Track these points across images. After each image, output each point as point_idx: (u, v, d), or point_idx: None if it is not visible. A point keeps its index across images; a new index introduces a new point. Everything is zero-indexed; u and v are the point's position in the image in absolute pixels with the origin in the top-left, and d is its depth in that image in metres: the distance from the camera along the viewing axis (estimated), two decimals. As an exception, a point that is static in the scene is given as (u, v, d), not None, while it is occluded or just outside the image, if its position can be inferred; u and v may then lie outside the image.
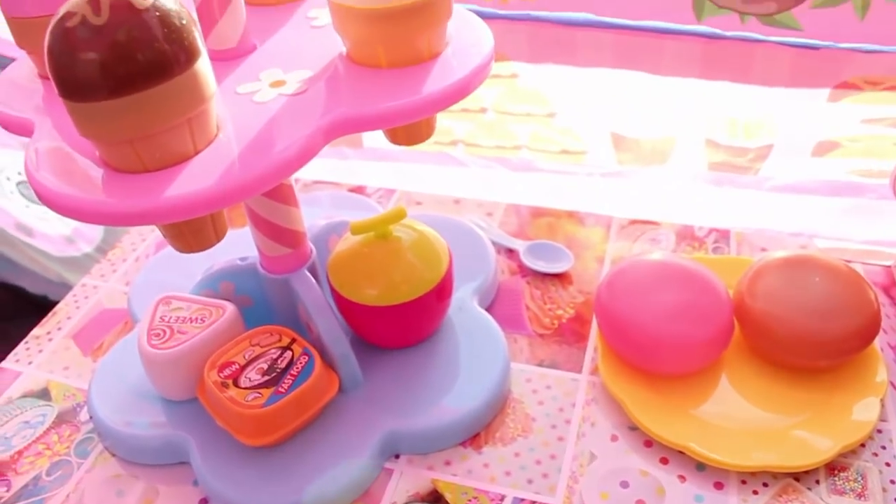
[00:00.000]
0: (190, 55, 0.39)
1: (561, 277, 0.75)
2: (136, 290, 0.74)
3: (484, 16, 0.53)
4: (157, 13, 0.37)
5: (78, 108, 0.38)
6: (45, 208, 1.46)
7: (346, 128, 0.43)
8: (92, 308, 0.77)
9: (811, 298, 0.60)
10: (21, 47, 0.53)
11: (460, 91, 0.45)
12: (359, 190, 0.87)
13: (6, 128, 0.50)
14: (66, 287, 0.85)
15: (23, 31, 0.52)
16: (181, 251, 0.44)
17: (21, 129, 0.49)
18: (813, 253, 0.64)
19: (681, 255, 0.66)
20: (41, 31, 0.50)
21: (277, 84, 0.47)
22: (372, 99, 0.44)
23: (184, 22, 0.38)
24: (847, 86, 0.88)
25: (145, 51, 0.37)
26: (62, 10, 0.38)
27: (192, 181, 0.38)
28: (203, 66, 0.40)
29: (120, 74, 0.37)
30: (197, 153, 0.41)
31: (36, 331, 0.75)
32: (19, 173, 1.38)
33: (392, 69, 0.47)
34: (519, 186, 0.88)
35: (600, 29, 0.88)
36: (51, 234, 1.54)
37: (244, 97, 0.46)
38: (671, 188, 0.87)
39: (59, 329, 0.75)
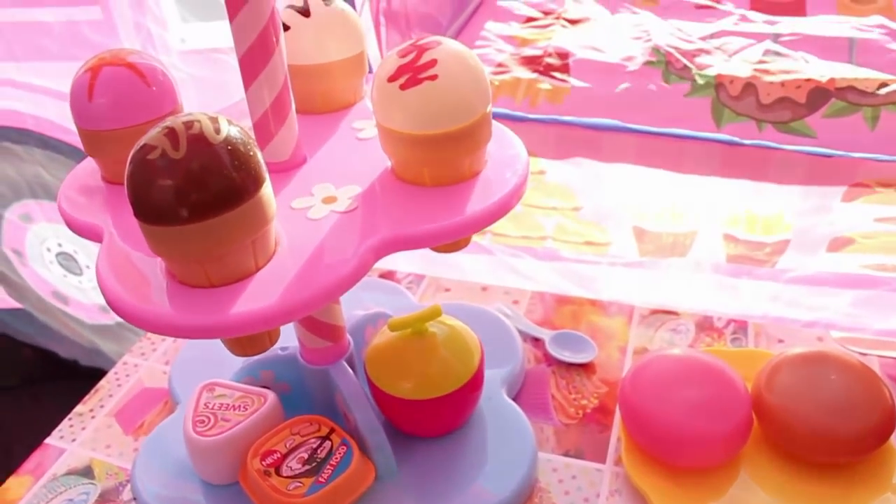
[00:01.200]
0: (257, 182, 0.43)
1: (585, 367, 0.78)
2: (175, 371, 0.77)
3: (514, 119, 0.57)
4: (229, 146, 0.41)
5: (152, 230, 0.42)
6: (81, 278, 1.51)
7: (394, 246, 0.47)
8: (133, 386, 0.80)
9: (828, 396, 0.62)
10: (90, 155, 0.58)
11: (500, 210, 0.49)
12: (389, 275, 0.91)
13: (77, 231, 0.54)
14: (98, 353, 0.88)
15: (93, 141, 0.56)
16: (236, 354, 0.48)
17: (91, 233, 0.53)
18: (829, 349, 0.66)
19: (701, 350, 0.69)
20: (109, 142, 0.56)
21: (329, 200, 0.51)
22: (418, 219, 0.48)
23: (252, 153, 0.42)
24: (860, 186, 0.92)
25: (218, 180, 0.41)
26: (144, 142, 0.42)
27: (255, 299, 0.42)
28: (267, 190, 0.44)
29: (193, 202, 0.40)
30: (258, 269, 0.45)
31: (79, 408, 0.78)
32: (59, 245, 1.43)
33: (435, 187, 0.51)
34: (544, 275, 0.91)
35: (625, 133, 0.92)
36: (85, 303, 1.59)
37: (299, 213, 0.50)
38: (691, 279, 0.90)
39: (102, 407, 0.78)
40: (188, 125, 0.41)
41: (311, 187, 0.53)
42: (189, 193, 0.40)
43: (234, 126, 0.43)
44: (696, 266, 0.91)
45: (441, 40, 0.49)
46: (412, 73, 0.48)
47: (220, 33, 0.99)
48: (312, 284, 0.43)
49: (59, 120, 1.16)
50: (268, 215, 0.44)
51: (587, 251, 0.94)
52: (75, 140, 1.18)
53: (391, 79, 0.48)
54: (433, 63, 0.48)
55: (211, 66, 1.01)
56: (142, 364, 0.83)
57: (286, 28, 0.61)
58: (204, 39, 1.00)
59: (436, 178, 0.51)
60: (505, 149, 0.55)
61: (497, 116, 0.54)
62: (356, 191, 0.52)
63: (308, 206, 0.50)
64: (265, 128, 0.53)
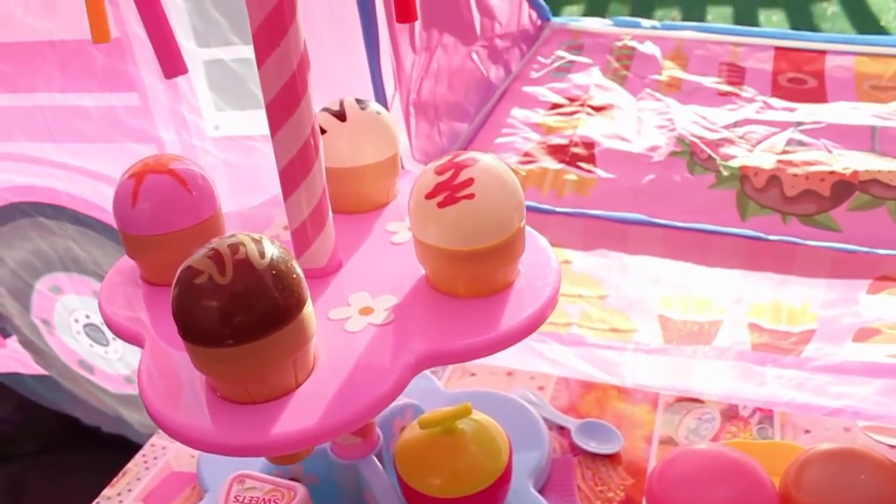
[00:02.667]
0: (300, 303, 0.44)
1: (611, 457, 0.78)
2: (204, 457, 0.78)
3: (542, 211, 0.58)
4: (273, 271, 0.43)
5: (197, 350, 0.43)
6: (107, 349, 1.52)
7: (430, 362, 0.48)
8: (161, 470, 0.81)
9: (858, 495, 0.62)
10: (131, 257, 0.59)
11: (534, 324, 0.50)
12: (416, 360, 0.91)
13: (118, 334, 0.56)
14: (121, 421, 0.89)
15: (135, 245, 0.58)
16: (273, 463, 0.49)
17: (132, 337, 0.54)
18: (858, 446, 0.66)
19: (727, 443, 0.69)
20: (150, 247, 0.57)
21: (366, 311, 0.52)
22: (453, 334, 0.49)
23: (295, 276, 0.44)
24: (886, 279, 0.93)
25: (262, 304, 0.42)
26: (190, 264, 0.43)
27: (296, 419, 0.43)
28: (308, 309, 0.45)
29: (238, 326, 0.42)
30: (298, 385, 0.46)
31: (107, 492, 0.79)
32: (87, 316, 1.46)
33: (470, 299, 0.52)
34: (569, 359, 0.92)
35: (651, 226, 0.94)
36: (110, 373, 1.61)
37: (337, 324, 0.51)
38: (716, 366, 0.90)
39: (130, 490, 0.79)
40: (234, 249, 0.43)
41: (348, 296, 0.54)
42: (234, 317, 0.42)
43: (277, 247, 0.44)
44: (720, 353, 0.92)
45: (477, 157, 0.51)
46: (449, 191, 0.49)
47: (251, 122, 1.02)
48: (351, 404, 0.44)
49: (92, 197, 1.19)
50: (309, 334, 0.45)
51: (612, 337, 0.95)
52: (107, 217, 1.21)
53: (429, 196, 0.50)
54: (470, 182, 0.49)
55: (243, 153, 1.04)
56: (169, 447, 0.84)
57: (322, 132, 0.63)
58: (236, 127, 1.02)
59: (470, 290, 0.52)
60: (537, 256, 0.56)
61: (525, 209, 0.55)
62: (392, 301, 0.53)
63: (346, 318, 0.52)
64: (303, 236, 0.55)
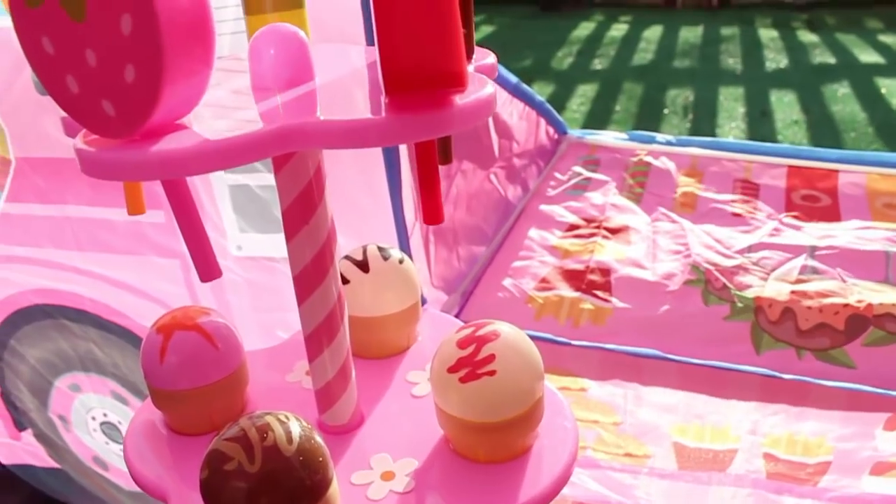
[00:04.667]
0: (326, 484, 0.45)
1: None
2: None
3: (558, 343, 0.59)
4: (301, 456, 0.44)
5: (225, 529, 0.44)
6: (122, 446, 1.52)
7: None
8: None
9: None
10: (158, 408, 0.60)
11: (553, 492, 0.51)
12: None
13: (144, 489, 0.57)
14: None
15: (162, 398, 0.59)
16: None
17: (157, 492, 0.56)
18: None
19: None
20: (177, 400, 0.59)
21: (388, 477, 0.53)
22: (472, 500, 0.50)
23: (321, 458, 0.45)
24: (901, 416, 0.93)
25: (290, 488, 0.43)
26: (218, 447, 0.44)
27: None
28: (334, 486, 0.46)
29: (264, 506, 0.43)
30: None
31: None
32: (104, 414, 1.47)
33: (490, 464, 0.53)
34: (583, 480, 0.92)
35: (666, 361, 0.95)
36: (125, 471, 1.61)
37: (359, 490, 0.52)
38: (731, 493, 0.90)
39: None
40: (262, 433, 0.44)
41: (370, 458, 0.55)
42: (261, 499, 0.43)
43: (304, 427, 0.46)
44: (736, 480, 0.92)
45: (499, 330, 0.52)
46: (471, 367, 0.50)
47: (273, 244, 1.05)
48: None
49: (116, 304, 1.21)
50: (333, 512, 0.46)
51: (627, 462, 0.95)
52: (129, 323, 1.23)
53: (451, 370, 0.51)
54: (492, 358, 0.50)
55: (264, 272, 1.06)
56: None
57: (345, 281, 0.64)
58: (259, 248, 1.05)
59: (490, 456, 0.53)
60: (556, 417, 0.57)
61: (541, 340, 0.56)
62: (413, 465, 0.54)
63: (367, 483, 0.52)
64: (327, 396, 0.56)
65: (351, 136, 0.42)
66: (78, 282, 1.23)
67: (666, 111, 3.52)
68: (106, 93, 0.40)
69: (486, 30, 5.12)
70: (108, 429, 1.49)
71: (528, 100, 1.43)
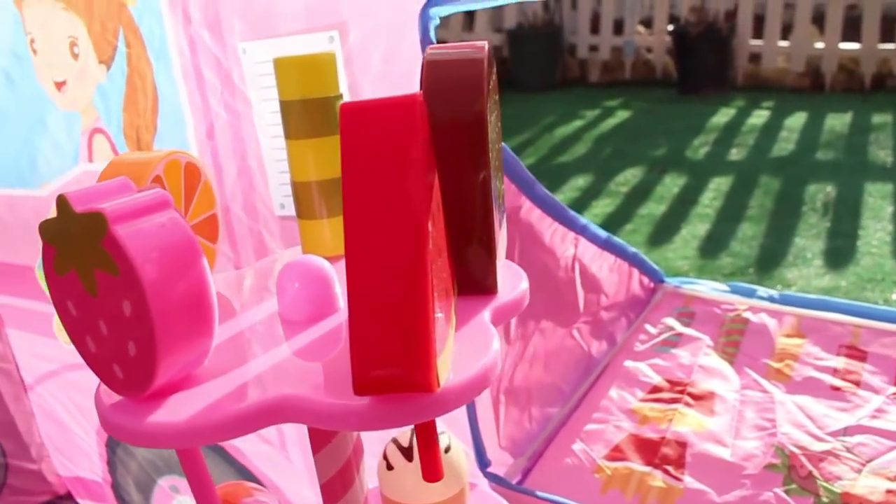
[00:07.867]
0: None
1: None
2: None
3: None
4: None
5: None
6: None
7: None
8: None
9: None
10: None
11: None
12: None
13: None
14: None
15: None
16: None
17: None
18: None
19: None
20: None
21: None
22: None
23: None
24: None
25: None
26: None
27: None
28: None
29: None
30: None
31: None
32: None
33: None
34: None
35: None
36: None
37: None
38: None
39: None
40: None
41: None
42: None
43: None
44: None
45: None
46: None
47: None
48: None
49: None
50: None
51: None
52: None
53: None
54: None
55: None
56: None
57: (389, 467, 0.65)
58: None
59: None
60: None
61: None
62: None
63: None
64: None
65: (333, 420, 0.43)
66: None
67: (804, 208, 3.34)
68: (116, 359, 0.43)
69: (622, 115, 5.04)
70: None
71: (619, 252, 1.39)
